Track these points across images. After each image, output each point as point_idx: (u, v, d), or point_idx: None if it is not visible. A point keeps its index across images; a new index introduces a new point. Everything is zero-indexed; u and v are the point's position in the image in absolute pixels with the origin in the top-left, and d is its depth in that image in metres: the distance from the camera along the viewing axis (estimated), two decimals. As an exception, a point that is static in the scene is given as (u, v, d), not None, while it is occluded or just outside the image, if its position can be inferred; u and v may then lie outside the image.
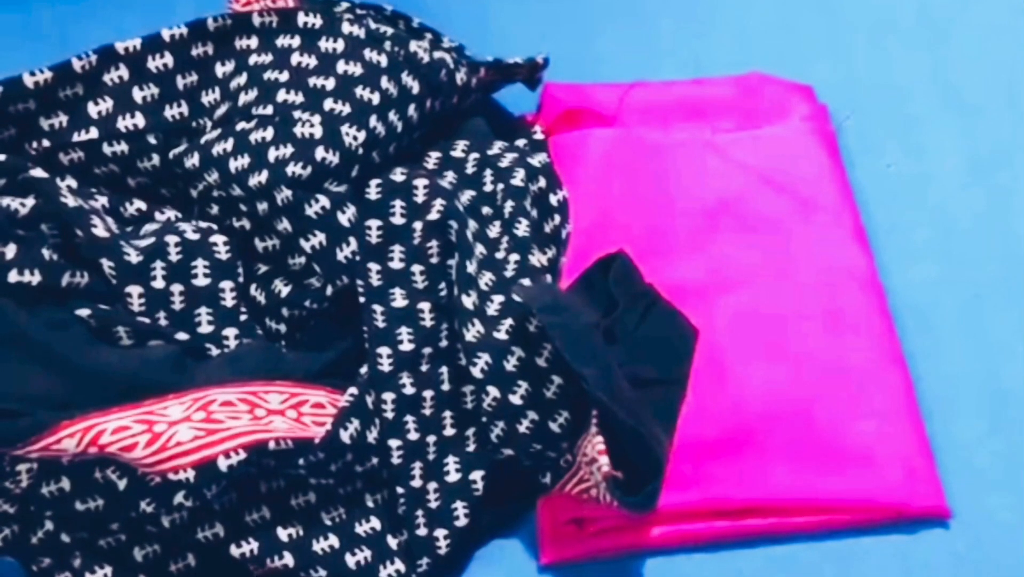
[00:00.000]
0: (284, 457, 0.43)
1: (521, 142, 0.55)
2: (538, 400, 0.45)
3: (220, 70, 0.50)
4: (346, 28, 0.49)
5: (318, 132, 0.47)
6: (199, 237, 0.48)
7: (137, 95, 0.49)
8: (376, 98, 0.48)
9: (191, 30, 0.49)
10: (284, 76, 0.48)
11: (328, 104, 0.48)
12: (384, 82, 0.49)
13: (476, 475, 0.46)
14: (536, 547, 0.47)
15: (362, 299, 0.46)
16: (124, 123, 0.49)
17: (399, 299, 0.47)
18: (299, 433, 0.43)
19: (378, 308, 0.46)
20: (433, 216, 0.47)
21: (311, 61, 0.48)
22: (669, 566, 0.47)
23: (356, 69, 0.49)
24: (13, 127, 0.48)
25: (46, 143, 0.49)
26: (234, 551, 0.43)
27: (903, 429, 0.48)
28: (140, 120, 0.49)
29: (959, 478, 0.48)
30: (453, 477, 0.46)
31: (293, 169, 0.46)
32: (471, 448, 0.46)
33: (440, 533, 0.45)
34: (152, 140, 0.50)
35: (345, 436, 0.44)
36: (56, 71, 0.48)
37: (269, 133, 0.47)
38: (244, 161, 0.47)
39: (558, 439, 0.45)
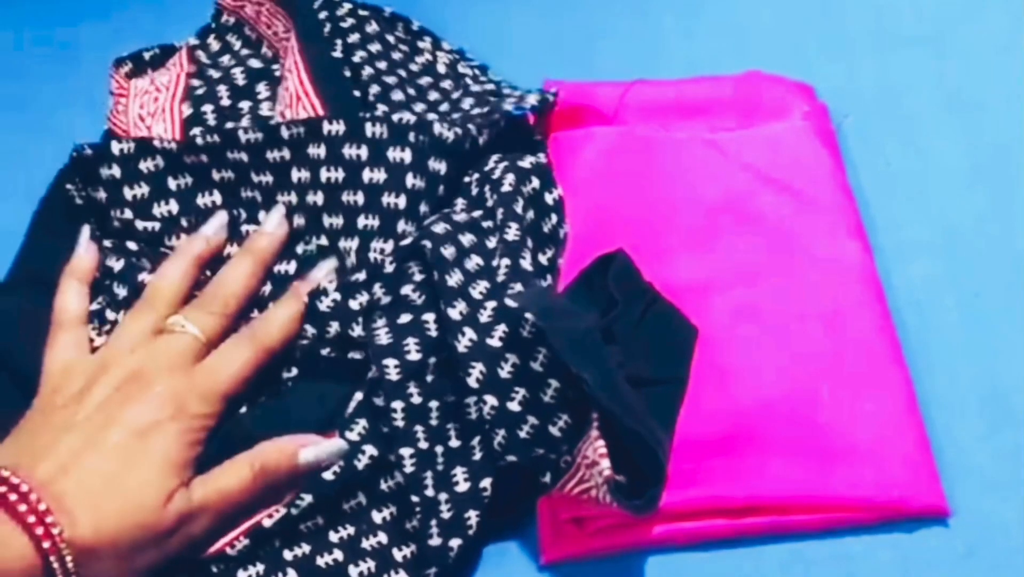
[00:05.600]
0: (283, 521, 0.44)
1: (520, 147, 0.55)
2: (536, 405, 0.45)
3: (255, 178, 0.51)
4: (369, 130, 0.49)
5: (354, 259, 0.49)
6: None
7: (172, 183, 0.51)
8: (402, 201, 0.49)
9: (223, 138, 0.51)
10: (320, 198, 0.50)
11: (361, 221, 0.49)
12: (410, 179, 0.49)
13: (486, 482, 0.46)
14: (536, 547, 0.47)
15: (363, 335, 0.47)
16: (159, 209, 0.51)
17: (403, 317, 0.47)
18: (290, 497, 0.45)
19: (382, 330, 0.46)
20: (406, 241, 0.48)
21: (339, 175, 0.49)
22: (669, 564, 0.47)
23: (380, 176, 0.49)
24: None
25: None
26: (240, 574, 0.44)
27: (902, 427, 0.48)
28: (175, 207, 0.51)
29: (959, 478, 0.48)
30: (463, 487, 0.46)
31: (324, 285, 0.49)
32: (477, 457, 0.46)
33: (454, 543, 0.45)
34: (183, 223, 0.52)
35: (327, 474, 0.45)
36: (97, 148, 0.51)
37: (331, 266, 0.50)
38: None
39: (559, 442, 0.45)
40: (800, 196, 0.54)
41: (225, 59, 0.58)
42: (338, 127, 0.49)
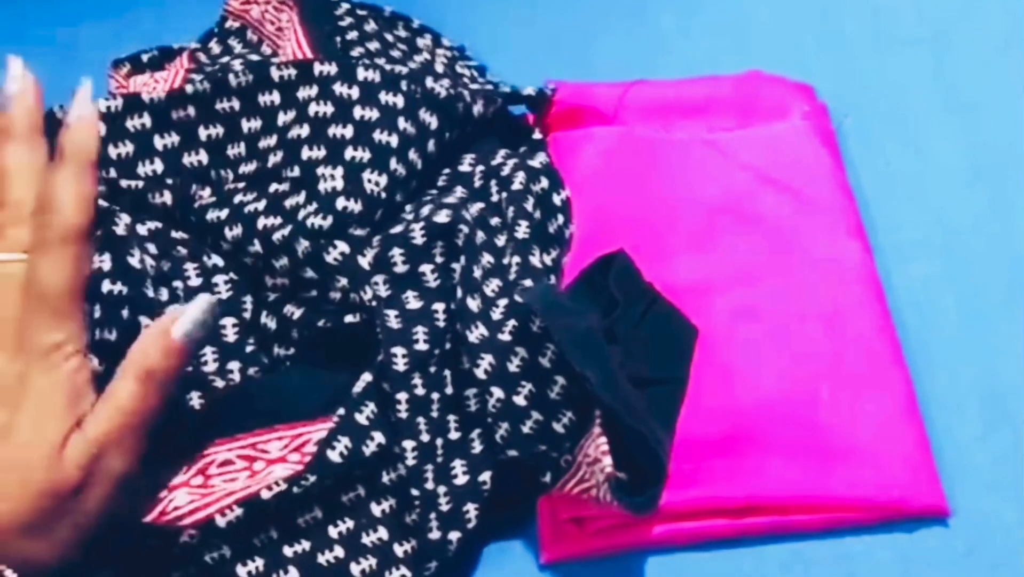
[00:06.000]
0: (282, 497, 0.44)
1: (522, 146, 0.55)
2: (542, 401, 0.45)
3: (246, 126, 0.50)
4: (361, 74, 0.49)
5: (340, 184, 0.47)
6: (201, 282, 0.49)
7: (159, 142, 0.50)
8: (395, 140, 0.48)
9: (213, 86, 0.50)
10: (305, 131, 0.48)
11: (349, 153, 0.48)
12: (402, 123, 0.48)
13: (485, 476, 0.46)
14: (536, 546, 0.47)
15: (373, 303, 0.46)
16: (144, 168, 0.50)
17: (412, 301, 0.46)
18: (294, 472, 0.44)
19: (391, 312, 0.46)
20: (442, 219, 0.47)
21: (328, 109, 0.48)
22: (669, 564, 0.47)
23: (372, 114, 0.48)
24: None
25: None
26: (240, 570, 0.44)
27: (902, 427, 0.48)
28: (159, 166, 0.50)
29: (959, 478, 0.48)
30: (461, 480, 0.46)
31: (313, 221, 0.46)
32: (477, 450, 0.46)
33: (454, 536, 0.45)
34: (168, 182, 0.50)
35: (334, 455, 0.44)
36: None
37: (301, 197, 0.47)
38: (275, 220, 0.47)
39: (561, 439, 0.45)
40: (800, 196, 0.54)
41: (225, 60, 0.58)
42: (330, 68, 0.49)
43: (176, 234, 0.50)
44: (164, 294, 0.48)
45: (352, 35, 0.56)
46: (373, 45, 0.56)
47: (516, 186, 0.51)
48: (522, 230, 0.50)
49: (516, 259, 0.49)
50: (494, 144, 0.55)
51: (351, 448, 0.44)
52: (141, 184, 0.50)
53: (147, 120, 0.50)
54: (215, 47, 0.59)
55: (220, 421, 0.46)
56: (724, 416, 0.48)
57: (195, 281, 0.49)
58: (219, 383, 0.47)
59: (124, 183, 0.50)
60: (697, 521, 0.47)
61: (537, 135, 0.56)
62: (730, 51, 0.62)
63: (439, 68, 0.58)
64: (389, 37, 0.58)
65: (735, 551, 0.47)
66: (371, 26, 0.57)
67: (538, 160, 0.53)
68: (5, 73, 0.45)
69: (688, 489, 0.47)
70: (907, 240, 0.55)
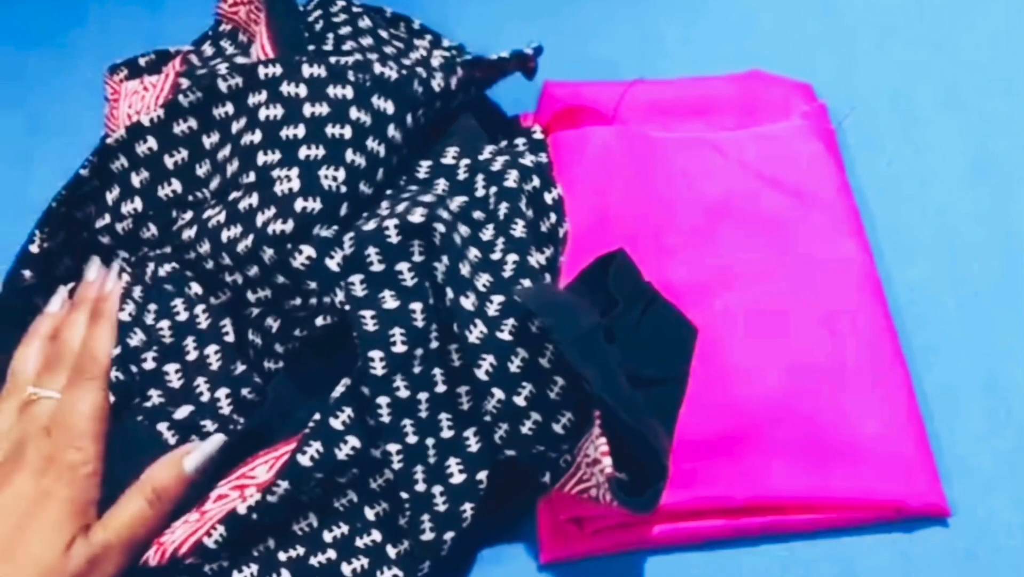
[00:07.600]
0: (262, 510, 0.44)
1: (520, 142, 0.55)
2: (542, 401, 0.45)
3: (207, 142, 0.51)
4: (306, 71, 0.49)
5: (296, 185, 0.47)
6: (187, 317, 0.49)
7: (135, 180, 0.50)
8: (348, 132, 0.48)
9: (167, 111, 0.50)
10: (258, 136, 0.48)
11: (303, 152, 0.47)
12: (354, 112, 0.48)
13: (482, 475, 0.46)
14: (536, 546, 0.47)
15: (347, 307, 0.46)
16: (126, 208, 0.50)
17: (389, 300, 0.46)
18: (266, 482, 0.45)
19: (367, 313, 0.46)
20: (416, 218, 0.46)
21: (278, 112, 0.48)
22: (669, 564, 0.47)
23: (322, 109, 0.48)
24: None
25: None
26: (235, 576, 0.45)
27: (903, 427, 0.48)
28: (139, 204, 0.50)
29: (959, 478, 0.48)
30: (457, 479, 0.46)
31: (274, 227, 0.46)
32: (472, 448, 0.46)
33: (449, 536, 0.45)
34: (150, 214, 0.51)
35: (304, 460, 0.44)
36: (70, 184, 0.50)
37: (255, 199, 0.47)
38: (236, 231, 0.47)
39: (560, 440, 0.45)
40: (800, 196, 0.54)
41: (216, 61, 0.58)
42: (275, 69, 0.49)
43: (163, 270, 0.50)
44: (165, 325, 0.49)
45: (345, 30, 0.56)
46: (366, 41, 0.56)
47: (510, 184, 0.51)
48: (519, 229, 0.50)
49: (514, 257, 0.49)
50: (480, 139, 0.54)
51: (322, 452, 0.45)
52: (130, 225, 0.51)
53: (123, 160, 0.50)
54: (208, 49, 0.59)
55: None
56: (724, 416, 0.48)
57: (183, 316, 0.49)
58: (209, 426, 0.47)
59: (119, 227, 0.51)
60: (697, 521, 0.47)
61: (538, 135, 0.56)
62: (730, 50, 0.62)
63: (435, 63, 0.58)
64: (384, 34, 0.58)
65: (735, 551, 0.47)
66: (365, 23, 0.57)
67: (530, 159, 0.53)
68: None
69: (688, 489, 0.47)
70: (907, 240, 0.55)
